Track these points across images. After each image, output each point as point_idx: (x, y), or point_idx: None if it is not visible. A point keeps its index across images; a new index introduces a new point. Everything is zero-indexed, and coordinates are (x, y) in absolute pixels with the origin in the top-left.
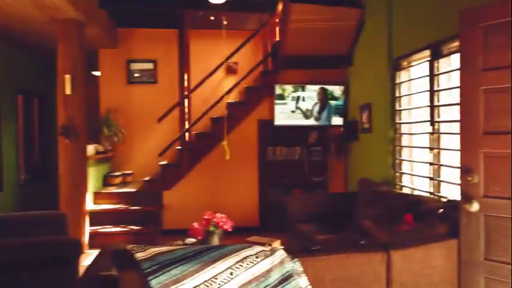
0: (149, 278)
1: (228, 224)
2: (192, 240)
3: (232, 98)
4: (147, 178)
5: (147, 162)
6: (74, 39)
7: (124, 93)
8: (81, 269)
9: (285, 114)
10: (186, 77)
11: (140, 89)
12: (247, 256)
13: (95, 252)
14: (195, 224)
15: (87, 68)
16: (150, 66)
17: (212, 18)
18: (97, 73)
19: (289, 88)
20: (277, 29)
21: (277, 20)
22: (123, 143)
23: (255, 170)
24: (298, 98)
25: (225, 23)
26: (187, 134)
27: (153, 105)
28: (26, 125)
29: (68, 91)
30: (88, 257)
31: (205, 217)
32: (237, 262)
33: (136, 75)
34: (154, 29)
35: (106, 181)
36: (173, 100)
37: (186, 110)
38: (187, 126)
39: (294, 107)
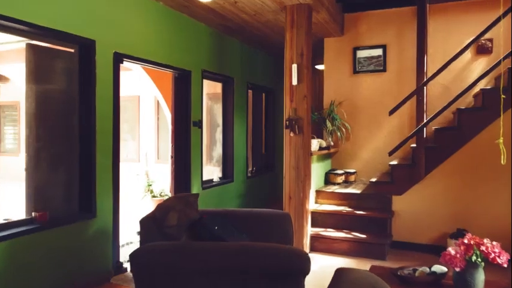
0: None
1: (503, 256)
2: (443, 269)
3: (481, 84)
4: (374, 179)
5: (372, 160)
6: (301, 26)
7: (349, 84)
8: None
9: None
10: (421, 61)
11: (367, 79)
12: None
13: (316, 257)
14: (451, 250)
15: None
16: (378, 52)
17: None
18: (320, 67)
19: None
20: None
21: None
22: (347, 139)
23: None
24: None
25: None
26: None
27: (380, 96)
28: (254, 118)
29: (294, 81)
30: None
31: (465, 241)
32: None
33: (362, 63)
34: (384, 9)
35: (327, 179)
36: (404, 90)
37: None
38: (424, 119)
39: None
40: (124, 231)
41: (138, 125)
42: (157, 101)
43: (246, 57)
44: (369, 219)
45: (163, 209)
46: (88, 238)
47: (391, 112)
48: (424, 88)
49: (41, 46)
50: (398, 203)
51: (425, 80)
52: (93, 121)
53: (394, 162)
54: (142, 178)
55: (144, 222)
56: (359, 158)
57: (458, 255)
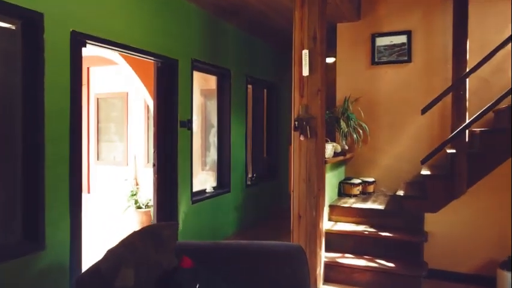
0: None
1: None
2: None
3: None
4: (401, 192)
5: (394, 167)
6: (314, 3)
7: (366, 77)
8: None
9: None
10: (461, 48)
11: (388, 71)
12: None
13: None
14: None
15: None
16: (402, 39)
17: None
18: (330, 59)
19: None
20: None
21: None
22: (364, 142)
23: None
24: None
25: None
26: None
27: (404, 91)
28: (254, 117)
29: (305, 72)
30: None
31: None
32: None
33: (383, 53)
34: None
35: (341, 190)
36: (434, 83)
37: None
38: (465, 118)
39: None
40: (96, 256)
41: (126, 125)
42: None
43: (245, 46)
44: (397, 242)
45: (114, 259)
46: (33, 277)
47: (424, 110)
48: (466, 81)
49: None
50: (433, 222)
51: (464, 74)
52: (41, 121)
53: (427, 172)
54: (131, 184)
55: (84, 281)
56: (378, 165)
57: None
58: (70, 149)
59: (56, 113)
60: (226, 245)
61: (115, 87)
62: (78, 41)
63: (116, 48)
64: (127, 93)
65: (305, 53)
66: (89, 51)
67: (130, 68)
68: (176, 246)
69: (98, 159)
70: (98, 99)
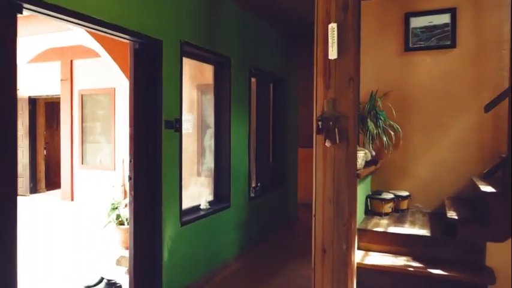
0: None
1: None
2: None
3: None
4: (453, 215)
5: (433, 178)
6: None
7: (398, 67)
8: None
9: None
10: None
11: (425, 59)
12: None
13: None
14: None
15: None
16: (444, 19)
17: None
18: None
19: None
20: None
21: None
22: (395, 146)
23: None
24: None
25: None
26: None
27: (447, 84)
28: (259, 117)
29: (332, 54)
30: None
31: None
32: None
33: (419, 36)
34: None
35: (368, 206)
36: (486, 74)
37: None
38: None
39: None
40: None
41: (114, 124)
42: None
43: (249, 30)
44: (452, 283)
45: None
46: None
47: (488, 108)
48: None
49: None
50: (498, 255)
51: None
52: None
53: (489, 188)
54: (118, 192)
55: None
56: (412, 175)
57: None
58: None
59: None
60: None
61: (101, 82)
62: (6, 2)
63: (73, 20)
64: (114, 88)
65: (332, 27)
66: (69, 40)
67: (111, 59)
68: None
69: (82, 163)
70: (82, 95)
